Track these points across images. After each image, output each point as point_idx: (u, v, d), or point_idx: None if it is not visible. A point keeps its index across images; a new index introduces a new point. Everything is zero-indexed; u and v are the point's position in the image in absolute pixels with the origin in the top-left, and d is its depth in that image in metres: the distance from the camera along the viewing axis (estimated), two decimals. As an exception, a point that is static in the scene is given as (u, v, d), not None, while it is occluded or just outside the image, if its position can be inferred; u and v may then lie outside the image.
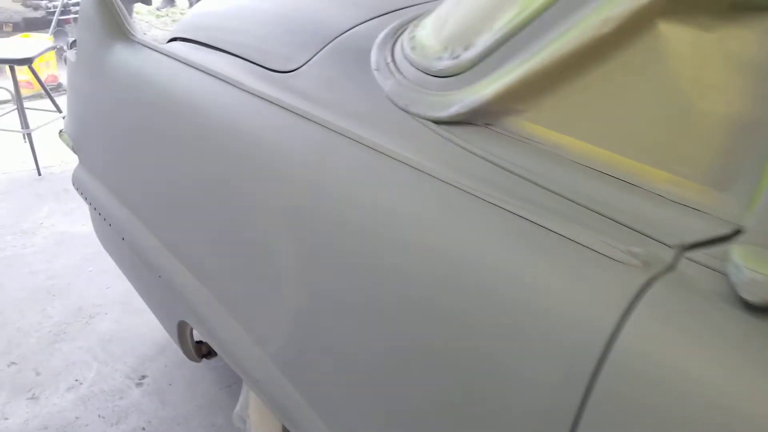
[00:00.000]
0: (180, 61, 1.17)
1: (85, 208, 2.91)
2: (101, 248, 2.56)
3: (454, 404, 0.67)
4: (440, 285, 0.67)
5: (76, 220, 2.78)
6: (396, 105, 0.87)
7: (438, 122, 0.82)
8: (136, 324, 2.11)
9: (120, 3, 1.35)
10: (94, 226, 1.69)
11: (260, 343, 1.01)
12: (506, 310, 0.61)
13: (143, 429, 1.69)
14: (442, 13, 0.92)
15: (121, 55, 1.31)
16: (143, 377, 1.88)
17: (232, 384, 1.86)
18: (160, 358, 1.96)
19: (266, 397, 1.01)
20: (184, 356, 1.92)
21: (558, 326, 0.57)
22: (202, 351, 1.42)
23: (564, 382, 0.56)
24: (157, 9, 6.96)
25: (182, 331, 1.35)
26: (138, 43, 1.29)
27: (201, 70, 1.12)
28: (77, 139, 1.55)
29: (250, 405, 1.29)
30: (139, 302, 2.21)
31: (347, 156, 0.84)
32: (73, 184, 1.58)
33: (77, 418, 1.72)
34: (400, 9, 1.09)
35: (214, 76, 1.09)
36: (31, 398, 1.79)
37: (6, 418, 1.71)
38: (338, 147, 0.86)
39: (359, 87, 0.96)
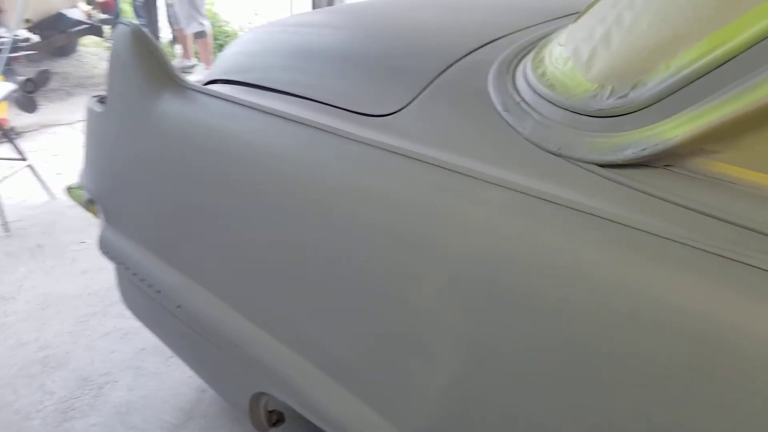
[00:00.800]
0: (252, 108, 1.06)
1: (68, 265, 2.69)
2: (96, 308, 2.37)
3: None
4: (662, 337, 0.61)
5: (60, 279, 2.55)
6: (542, 148, 0.81)
7: (603, 165, 0.76)
8: (153, 390, 1.93)
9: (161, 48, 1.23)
10: (123, 293, 1.53)
11: (388, 415, 0.91)
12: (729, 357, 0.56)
13: None
14: (578, 45, 0.86)
15: (172, 104, 1.18)
16: (175, 449, 1.71)
17: (274, 446, 1.72)
18: (189, 426, 1.79)
19: None
20: (214, 420, 1.78)
21: None
22: (273, 419, 1.29)
23: None
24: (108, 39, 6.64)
25: (256, 403, 1.22)
26: (192, 89, 1.17)
27: (283, 117, 1.02)
28: (105, 197, 1.40)
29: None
30: (152, 365, 2.04)
31: (498, 204, 0.77)
32: (101, 248, 1.42)
33: (111, 507, 1.54)
34: (503, 36, 1.03)
35: (300, 122, 0.99)
36: (52, 489, 1.58)
37: None
38: (483, 193, 0.78)
39: (483, 128, 0.88)
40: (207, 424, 1.79)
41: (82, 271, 2.66)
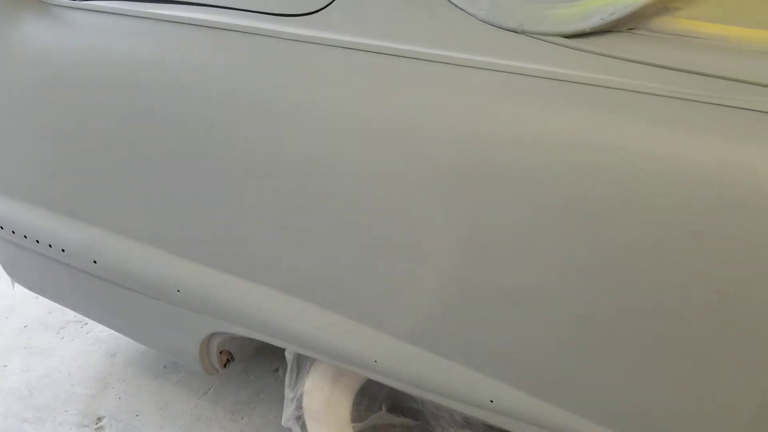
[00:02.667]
0: (137, 17, 0.89)
1: None
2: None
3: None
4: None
5: None
6: (502, 27, 0.77)
7: (569, 36, 0.74)
8: (53, 366, 1.70)
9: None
10: (6, 263, 1.28)
11: (374, 322, 0.88)
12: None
13: (135, 475, 1.40)
14: None
15: (36, 25, 0.95)
16: (99, 419, 1.54)
17: (208, 390, 1.62)
18: (107, 393, 1.61)
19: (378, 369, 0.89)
20: (133, 383, 1.63)
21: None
22: (224, 360, 1.19)
23: None
24: None
25: (206, 347, 1.11)
26: (57, 5, 0.95)
27: (184, 23, 0.87)
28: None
29: (312, 398, 1.13)
30: (42, 341, 1.79)
31: (470, 88, 0.73)
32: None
33: (43, 494, 1.36)
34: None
35: (205, 26, 0.86)
36: (-36, 496, 1.36)
37: None
38: (460, 78, 0.74)
39: (429, 17, 0.82)
40: (128, 387, 1.62)
41: None
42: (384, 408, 1.14)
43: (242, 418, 1.53)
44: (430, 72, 0.76)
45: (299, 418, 1.18)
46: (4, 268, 1.31)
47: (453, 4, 0.81)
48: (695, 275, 0.66)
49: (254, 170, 0.87)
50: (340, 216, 0.83)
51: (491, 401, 0.83)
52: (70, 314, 1.88)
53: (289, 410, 1.19)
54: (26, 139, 1.05)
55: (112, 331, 1.80)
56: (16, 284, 1.62)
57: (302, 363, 1.14)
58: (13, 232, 1.11)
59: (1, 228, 1.13)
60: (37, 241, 1.09)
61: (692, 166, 0.64)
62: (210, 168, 0.90)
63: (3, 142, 1.07)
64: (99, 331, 1.82)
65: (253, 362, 1.70)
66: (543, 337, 0.76)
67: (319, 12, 0.88)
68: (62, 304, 1.32)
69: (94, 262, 1.05)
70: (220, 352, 1.17)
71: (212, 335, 1.09)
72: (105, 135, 0.97)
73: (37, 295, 1.54)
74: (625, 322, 0.71)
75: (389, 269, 0.82)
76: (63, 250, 1.07)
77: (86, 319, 1.86)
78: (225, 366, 1.20)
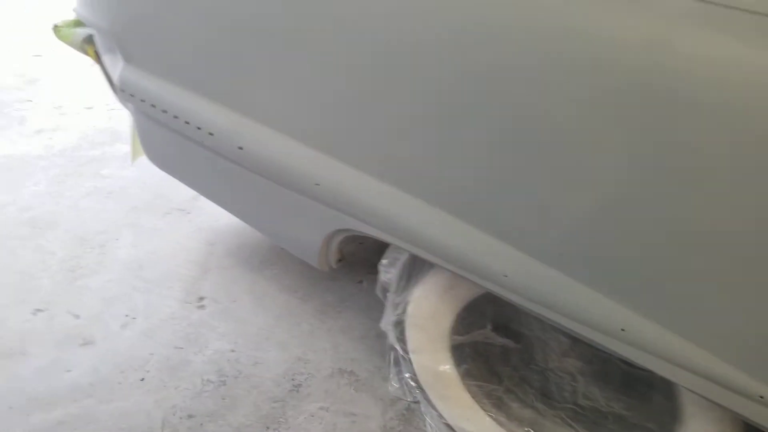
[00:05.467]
0: None
1: (17, 126, 2.34)
2: (67, 169, 2.12)
3: None
4: None
5: (15, 140, 2.22)
6: None
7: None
8: (159, 245, 1.80)
9: None
10: (147, 142, 1.33)
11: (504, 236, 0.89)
12: None
13: (232, 351, 1.49)
14: None
15: None
16: (201, 299, 1.63)
17: (298, 290, 1.69)
18: (208, 278, 1.70)
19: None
20: (230, 272, 1.71)
21: None
22: (338, 257, 1.24)
23: None
24: None
25: (328, 241, 1.15)
26: None
27: None
28: (125, 31, 1.16)
29: (418, 306, 1.17)
30: (149, 221, 1.89)
31: None
32: (123, 93, 1.21)
33: (152, 354, 1.46)
34: None
35: None
36: (85, 344, 1.48)
37: (69, 370, 1.40)
38: None
39: None
40: (226, 275, 1.71)
41: (37, 131, 2.33)
42: (489, 326, 1.17)
43: (329, 319, 1.60)
44: None
45: (399, 323, 1.23)
46: (143, 144, 1.37)
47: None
48: None
49: (407, 74, 0.87)
50: (495, 129, 0.83)
51: (622, 330, 0.83)
52: (175, 202, 1.97)
53: (390, 314, 1.24)
54: (191, 24, 1.07)
55: (213, 223, 1.89)
56: (134, 163, 1.70)
57: (415, 270, 1.17)
58: (165, 111, 1.16)
59: (153, 106, 1.17)
60: (187, 123, 1.13)
61: None
62: (363, 66, 0.90)
63: (168, 25, 1.10)
64: (200, 221, 1.91)
65: (339, 272, 1.76)
66: (691, 272, 0.76)
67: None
68: (191, 186, 1.38)
69: (240, 148, 1.09)
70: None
71: (337, 231, 1.12)
72: (276, 25, 0.97)
73: (155, 176, 1.62)
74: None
75: (540, 190, 0.82)
76: (211, 134, 1.11)
77: (188, 209, 1.95)
78: (337, 263, 1.24)
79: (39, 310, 1.55)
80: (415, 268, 1.17)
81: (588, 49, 0.72)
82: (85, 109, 2.55)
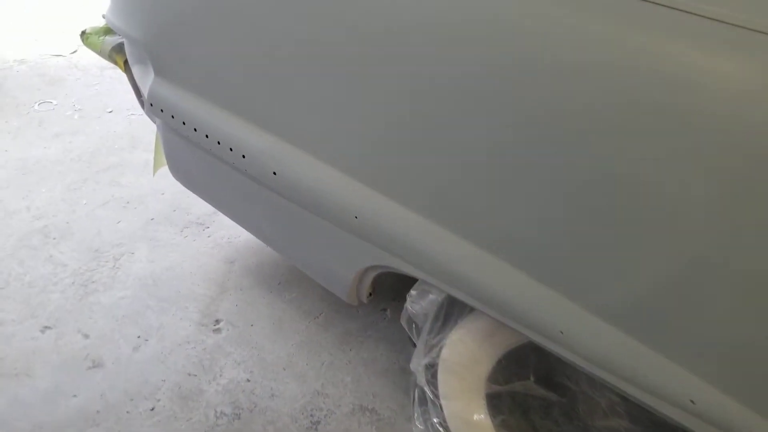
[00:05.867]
0: None
1: (36, 128, 2.28)
2: (84, 175, 2.05)
3: None
4: None
5: (33, 142, 2.16)
6: None
7: None
8: (176, 261, 1.72)
9: None
10: (174, 160, 1.26)
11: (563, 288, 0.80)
12: None
13: (248, 380, 1.41)
14: None
15: None
16: (217, 321, 1.55)
17: (319, 315, 1.61)
18: (225, 298, 1.62)
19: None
20: (249, 293, 1.63)
21: None
22: (369, 292, 1.15)
23: None
24: None
25: (361, 276, 1.07)
26: None
27: None
28: (157, 42, 1.09)
29: (454, 350, 1.08)
30: (166, 235, 1.81)
31: None
32: (153, 108, 1.13)
33: (163, 380, 1.38)
34: None
35: None
36: (94, 366, 1.40)
37: (75, 395, 1.32)
38: None
39: None
40: (244, 296, 1.63)
41: (55, 135, 2.27)
42: (532, 378, 1.08)
43: (350, 350, 1.51)
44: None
45: (432, 366, 1.14)
46: (168, 160, 1.29)
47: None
48: None
49: (477, 110, 0.79)
50: (567, 180, 0.74)
51: (692, 401, 0.75)
52: (194, 215, 1.89)
53: (422, 356, 1.15)
54: (230, 39, 0.99)
55: (232, 238, 1.82)
56: (155, 174, 1.63)
57: (453, 311, 1.09)
58: (195, 130, 1.08)
59: (183, 123, 1.10)
60: (219, 143, 1.06)
61: None
62: (426, 96, 0.82)
63: (205, 38, 1.03)
64: (219, 236, 1.83)
65: (362, 297, 1.68)
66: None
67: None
68: (216, 206, 1.30)
69: (274, 173, 1.01)
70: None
71: (372, 267, 1.04)
72: (305, 47, 0.90)
73: (173, 186, 1.55)
74: None
75: (617, 246, 0.74)
76: (243, 156, 1.03)
77: (207, 223, 1.87)
78: (368, 297, 1.16)
79: (47, 328, 1.48)
80: (454, 310, 1.09)
81: (703, 103, 0.64)
82: (106, 113, 2.49)
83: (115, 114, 2.50)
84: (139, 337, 1.48)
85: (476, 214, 0.84)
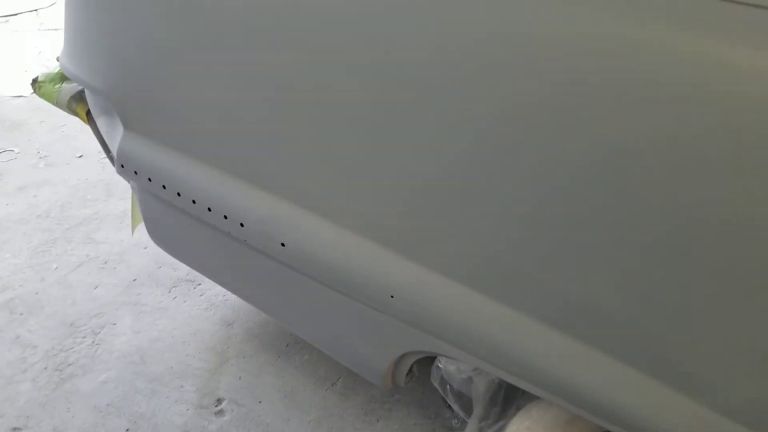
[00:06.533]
0: None
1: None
2: (54, 234, 1.81)
3: None
4: None
5: (-7, 201, 1.92)
6: None
7: None
8: (166, 331, 1.49)
9: None
10: (153, 226, 1.04)
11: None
12: None
13: (262, 474, 1.19)
14: None
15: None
16: (219, 401, 1.33)
17: (336, 381, 1.39)
18: (226, 371, 1.40)
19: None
20: (254, 361, 1.41)
21: None
22: (407, 376, 0.95)
23: None
24: None
25: (398, 361, 0.86)
26: None
27: None
28: (127, 92, 0.87)
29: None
30: (152, 299, 1.58)
31: None
32: (124, 168, 0.91)
33: (161, 484, 1.16)
34: None
35: None
36: (76, 475, 1.17)
37: None
38: None
39: None
40: (248, 365, 1.40)
41: (19, 188, 2.03)
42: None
43: (377, 421, 1.30)
44: None
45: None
46: (147, 227, 1.07)
47: None
48: None
49: (533, 168, 0.59)
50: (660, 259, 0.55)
51: None
52: (182, 270, 1.66)
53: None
54: (217, 83, 0.79)
55: (227, 296, 1.59)
56: (134, 233, 1.41)
57: (511, 395, 0.89)
58: (179, 195, 0.87)
59: (164, 187, 0.88)
60: (209, 209, 0.84)
61: None
62: (476, 151, 0.63)
63: (184, 84, 0.81)
64: (213, 294, 1.60)
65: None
66: None
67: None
68: (212, 279, 1.09)
69: (282, 245, 0.80)
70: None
71: (412, 352, 0.83)
72: (317, 90, 0.70)
73: (148, 248, 1.33)
74: None
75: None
76: (241, 225, 0.82)
77: (199, 279, 1.65)
78: (407, 381, 0.95)
79: (17, 429, 1.24)
80: (515, 392, 0.89)
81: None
82: (76, 159, 2.26)
83: (85, 159, 2.26)
84: (127, 430, 1.25)
85: (550, 291, 0.64)
